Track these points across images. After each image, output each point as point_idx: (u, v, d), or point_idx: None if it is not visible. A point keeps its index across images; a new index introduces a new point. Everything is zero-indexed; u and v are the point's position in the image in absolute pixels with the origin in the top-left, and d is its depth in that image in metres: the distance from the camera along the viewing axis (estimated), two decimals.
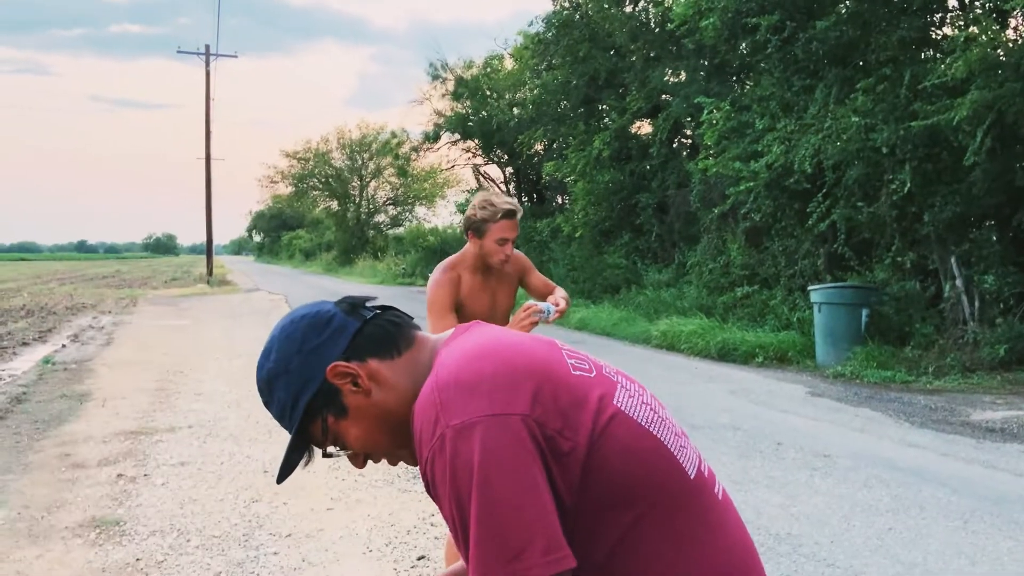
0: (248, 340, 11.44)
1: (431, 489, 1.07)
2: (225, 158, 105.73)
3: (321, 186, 44.48)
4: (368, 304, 1.21)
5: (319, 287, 26.36)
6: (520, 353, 1.13)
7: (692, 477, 1.16)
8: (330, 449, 1.20)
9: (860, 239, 9.91)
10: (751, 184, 10.21)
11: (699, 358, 9.90)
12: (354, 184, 43.92)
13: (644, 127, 16.53)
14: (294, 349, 1.16)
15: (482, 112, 23.90)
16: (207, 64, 28.80)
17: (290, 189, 45.78)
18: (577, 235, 16.71)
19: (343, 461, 1.87)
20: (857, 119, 8.96)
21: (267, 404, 1.20)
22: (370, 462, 1.24)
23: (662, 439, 1.15)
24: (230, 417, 6.44)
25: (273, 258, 70.35)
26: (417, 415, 1.10)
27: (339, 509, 4.24)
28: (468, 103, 24.32)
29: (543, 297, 3.13)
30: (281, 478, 1.20)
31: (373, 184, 43.89)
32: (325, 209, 47.43)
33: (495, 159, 25.28)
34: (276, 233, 71.41)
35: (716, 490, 1.21)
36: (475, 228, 2.86)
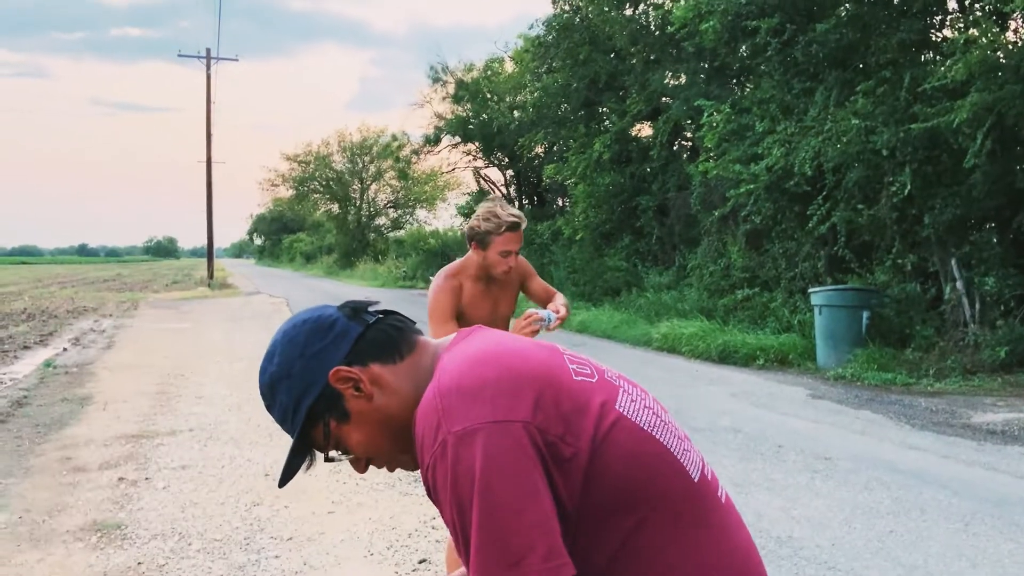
0: (249, 343, 11.44)
1: (432, 494, 1.08)
2: (226, 161, 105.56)
3: (322, 189, 44.50)
4: (370, 309, 1.22)
5: (320, 290, 26.37)
6: (522, 359, 1.13)
7: (695, 480, 1.16)
8: (332, 454, 1.20)
9: (860, 241, 9.92)
10: (751, 187, 10.21)
11: (700, 361, 9.90)
12: (355, 187, 43.94)
13: (644, 130, 16.55)
14: (296, 353, 1.17)
15: (483, 115, 23.92)
16: (208, 67, 28.86)
17: (291, 192, 45.80)
18: (578, 238, 16.71)
19: (345, 464, 1.88)
20: (857, 121, 8.96)
21: (269, 408, 1.20)
22: (371, 467, 1.24)
23: (665, 443, 1.15)
24: (231, 420, 6.44)
25: (274, 261, 70.36)
26: (419, 420, 1.10)
27: (340, 512, 4.24)
28: (469, 106, 24.34)
29: (543, 303, 3.13)
30: (283, 482, 1.21)
31: (374, 187, 43.94)
32: (326, 212, 47.45)
33: (496, 162, 25.30)
34: (277, 236, 71.44)
35: (719, 493, 1.21)
36: (479, 239, 2.85)
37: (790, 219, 10.74)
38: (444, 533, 3.84)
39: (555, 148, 20.13)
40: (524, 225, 2.89)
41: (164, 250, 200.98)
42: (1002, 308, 8.47)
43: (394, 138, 30.15)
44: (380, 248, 39.40)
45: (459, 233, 26.11)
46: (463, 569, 1.27)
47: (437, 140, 25.59)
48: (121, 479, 4.85)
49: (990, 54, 7.85)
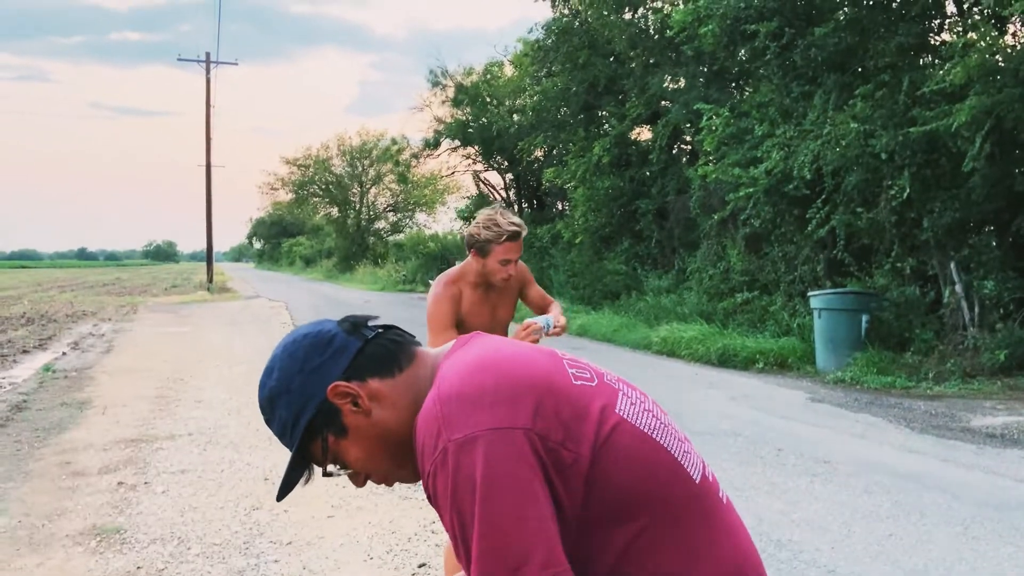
0: (248, 347, 11.44)
1: (433, 501, 1.08)
2: (225, 165, 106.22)
3: (321, 193, 44.53)
4: (370, 324, 1.22)
5: (320, 294, 26.37)
6: (521, 365, 1.13)
7: (697, 481, 1.16)
8: (330, 468, 1.21)
9: (859, 245, 9.92)
10: (750, 190, 10.22)
11: (699, 364, 9.90)
12: (354, 191, 43.97)
13: (644, 133, 16.56)
14: (296, 368, 1.17)
15: (482, 119, 23.95)
16: (207, 71, 28.87)
17: (290, 196, 45.84)
18: (577, 241, 16.72)
19: None
20: (856, 125, 8.97)
21: (268, 422, 1.21)
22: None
23: (665, 445, 1.15)
24: (230, 424, 6.44)
25: (273, 265, 70.35)
26: (419, 428, 1.10)
27: (340, 517, 4.24)
28: (468, 110, 24.37)
29: (539, 311, 3.12)
30: (281, 496, 1.21)
31: (373, 191, 43.97)
32: (325, 216, 47.49)
33: (495, 165, 25.32)
34: (276, 240, 71.45)
35: (720, 494, 1.21)
36: (479, 247, 2.83)
37: (789, 223, 10.75)
38: (443, 537, 3.84)
39: (554, 152, 20.15)
40: (524, 233, 2.88)
41: (163, 254, 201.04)
42: (1001, 311, 8.48)
43: (394, 142, 30.18)
44: (380, 252, 39.43)
45: (459, 237, 26.12)
46: (462, 574, 1.28)
47: (437, 144, 25.62)
48: (120, 483, 4.85)
49: (989, 58, 7.86)
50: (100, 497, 4.59)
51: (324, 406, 1.15)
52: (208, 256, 31.00)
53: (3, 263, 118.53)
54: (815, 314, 9.20)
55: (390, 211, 44.56)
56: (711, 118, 11.17)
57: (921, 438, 5.99)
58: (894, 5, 10.06)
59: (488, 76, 24.72)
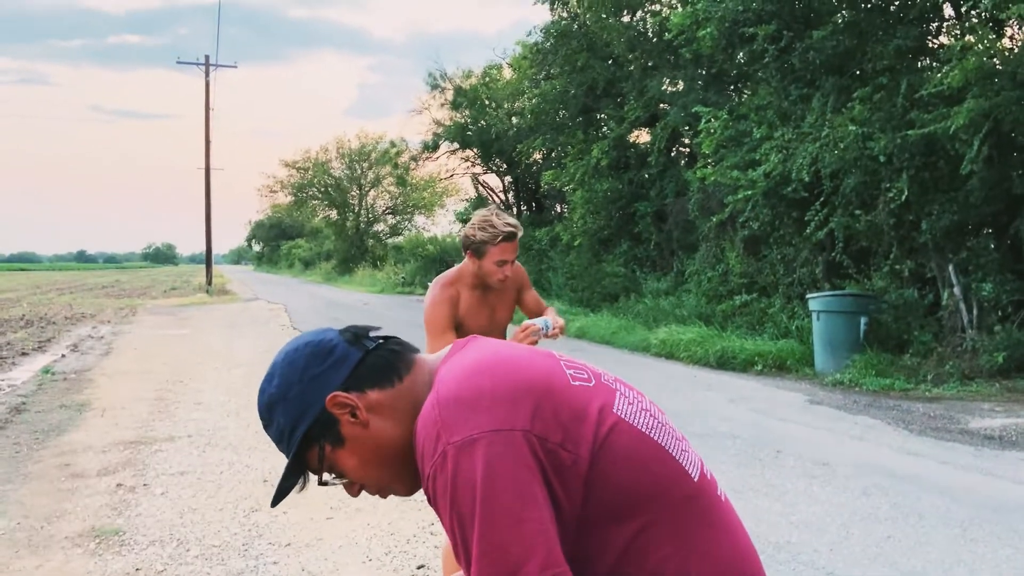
0: (248, 349, 11.45)
1: (433, 503, 1.09)
2: (224, 168, 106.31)
3: (320, 195, 44.52)
4: (371, 334, 1.23)
5: (319, 296, 26.38)
6: (519, 367, 1.14)
7: (695, 480, 1.17)
8: (325, 477, 1.21)
9: (858, 247, 9.94)
10: (749, 193, 10.23)
11: (698, 366, 9.91)
12: (353, 193, 43.98)
13: (642, 136, 16.57)
14: (296, 377, 1.18)
15: (481, 121, 23.96)
16: (207, 74, 28.88)
17: (289, 199, 45.82)
18: (576, 244, 16.73)
19: None
20: (854, 128, 8.99)
21: (267, 428, 1.22)
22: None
23: (663, 444, 1.16)
24: (229, 426, 6.44)
25: (272, 267, 70.34)
26: (419, 432, 1.11)
27: (339, 518, 4.24)
28: (467, 112, 24.37)
29: (533, 315, 3.12)
30: (275, 502, 1.22)
31: (372, 193, 43.98)
32: (324, 218, 47.47)
33: (494, 168, 25.33)
34: (275, 242, 71.43)
35: (719, 493, 1.22)
36: (474, 249, 2.82)
37: (788, 225, 10.77)
38: (442, 539, 3.84)
39: (553, 154, 20.16)
40: (520, 234, 2.87)
41: (163, 256, 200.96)
42: (999, 313, 8.49)
43: (392, 144, 30.20)
44: (378, 254, 39.44)
45: (457, 239, 26.08)
46: (461, 575, 1.28)
47: (435, 146, 25.62)
48: (119, 485, 4.85)
49: (986, 60, 7.88)
50: (99, 499, 4.59)
51: (322, 415, 1.16)
52: (207, 258, 30.98)
53: (2, 265, 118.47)
54: (814, 316, 9.21)
55: (389, 214, 44.58)
56: (710, 121, 11.18)
57: (920, 440, 5.99)
58: (892, 8, 10.08)
59: (487, 79, 24.74)
